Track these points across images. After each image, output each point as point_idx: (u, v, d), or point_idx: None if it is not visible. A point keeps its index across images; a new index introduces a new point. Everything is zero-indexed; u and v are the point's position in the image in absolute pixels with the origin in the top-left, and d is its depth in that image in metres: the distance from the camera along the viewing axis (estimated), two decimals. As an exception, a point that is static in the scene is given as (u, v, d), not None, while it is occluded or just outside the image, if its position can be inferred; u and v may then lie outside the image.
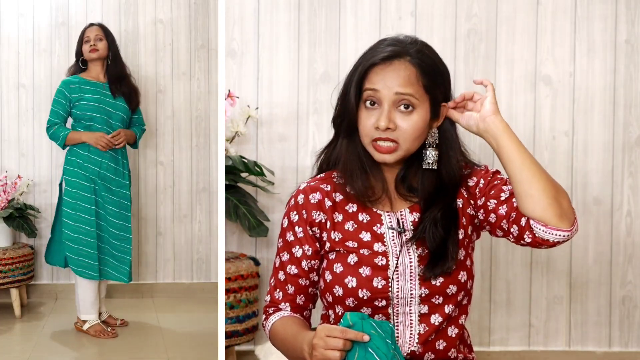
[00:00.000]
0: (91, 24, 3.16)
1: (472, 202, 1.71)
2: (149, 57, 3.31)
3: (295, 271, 1.72)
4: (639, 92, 3.17)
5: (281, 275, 1.74)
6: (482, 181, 1.71)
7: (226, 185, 2.84)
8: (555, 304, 3.21)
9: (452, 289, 1.66)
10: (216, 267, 3.14)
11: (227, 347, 2.87)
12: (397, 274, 1.65)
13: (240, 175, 3.02)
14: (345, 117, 1.67)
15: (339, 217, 1.70)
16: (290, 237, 1.73)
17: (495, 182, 1.69)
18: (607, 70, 3.17)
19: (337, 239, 1.69)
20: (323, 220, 1.70)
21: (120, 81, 3.15)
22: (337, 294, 1.66)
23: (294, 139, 3.16)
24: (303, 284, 1.73)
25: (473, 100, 1.69)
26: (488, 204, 1.68)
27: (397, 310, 1.66)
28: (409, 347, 1.66)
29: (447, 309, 1.67)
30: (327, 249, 1.70)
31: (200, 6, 3.33)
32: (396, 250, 1.66)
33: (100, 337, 3.08)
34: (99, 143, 3.07)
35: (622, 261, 3.21)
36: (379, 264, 1.65)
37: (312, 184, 1.74)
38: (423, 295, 1.65)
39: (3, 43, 3.22)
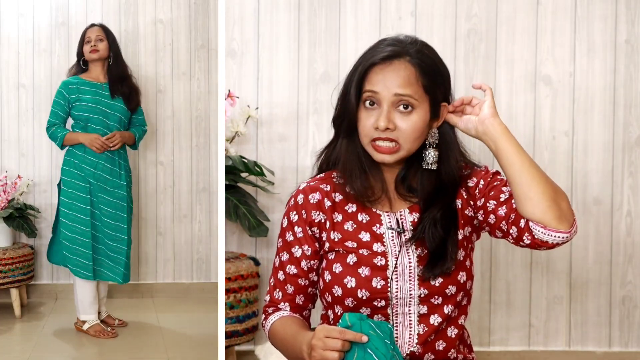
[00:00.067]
0: (92, 25, 3.15)
1: (471, 202, 1.71)
2: (149, 57, 3.31)
3: (295, 271, 1.72)
4: (639, 92, 3.17)
5: (280, 275, 1.74)
6: (481, 182, 1.70)
7: (226, 185, 2.84)
8: (555, 304, 3.21)
9: (452, 289, 1.66)
10: (216, 267, 3.13)
11: (227, 347, 2.87)
12: (397, 274, 1.65)
13: (240, 175, 3.02)
14: (345, 117, 1.67)
15: (338, 217, 1.70)
16: (289, 237, 1.73)
17: (495, 183, 1.69)
18: (607, 70, 3.17)
19: (336, 239, 1.69)
20: (322, 220, 1.70)
21: (121, 81, 3.15)
22: (336, 294, 1.66)
23: (294, 139, 3.16)
24: (302, 284, 1.72)
25: (471, 104, 1.69)
26: (487, 205, 1.67)
27: (397, 310, 1.65)
28: (408, 348, 1.66)
29: (447, 309, 1.67)
30: (327, 249, 1.70)
31: (200, 6, 3.33)
32: (395, 251, 1.66)
33: (100, 337, 3.08)
34: (93, 144, 3.07)
35: (622, 261, 3.21)
36: (378, 264, 1.65)
37: (311, 184, 1.74)
38: (422, 295, 1.65)
39: (3, 43, 3.22)
